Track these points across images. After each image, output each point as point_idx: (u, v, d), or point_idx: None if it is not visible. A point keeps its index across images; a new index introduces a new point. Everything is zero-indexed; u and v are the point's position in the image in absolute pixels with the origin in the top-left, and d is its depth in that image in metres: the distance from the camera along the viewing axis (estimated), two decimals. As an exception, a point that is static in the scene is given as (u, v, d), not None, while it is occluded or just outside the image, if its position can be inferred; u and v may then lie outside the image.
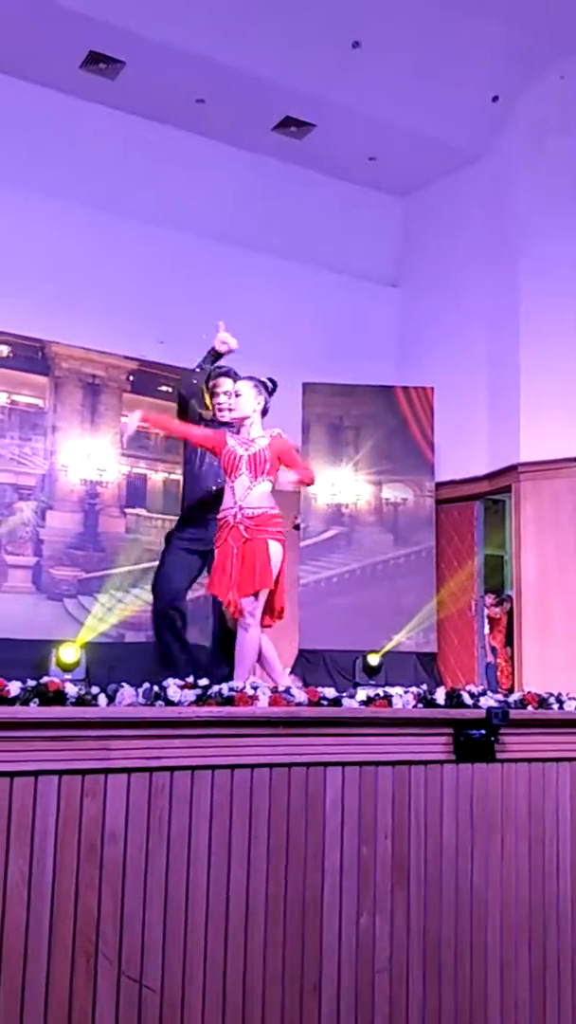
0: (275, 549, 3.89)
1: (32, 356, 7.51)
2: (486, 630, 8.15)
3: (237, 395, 4.01)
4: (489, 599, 8.23)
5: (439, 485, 8.28)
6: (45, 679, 2.91)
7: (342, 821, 3.11)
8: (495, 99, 8.07)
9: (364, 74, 7.57)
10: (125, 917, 2.72)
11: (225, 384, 4.29)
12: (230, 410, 4.11)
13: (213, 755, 2.93)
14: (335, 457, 8.17)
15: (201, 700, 3.05)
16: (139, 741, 2.81)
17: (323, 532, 8.05)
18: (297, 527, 8.09)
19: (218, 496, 4.08)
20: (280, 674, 3.99)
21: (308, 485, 4.18)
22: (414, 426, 8.20)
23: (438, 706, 3.39)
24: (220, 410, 4.24)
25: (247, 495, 3.86)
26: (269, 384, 4.10)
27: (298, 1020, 2.96)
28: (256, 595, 3.84)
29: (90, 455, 7.55)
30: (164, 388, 8.12)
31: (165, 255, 8.12)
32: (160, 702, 3.02)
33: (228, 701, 3.08)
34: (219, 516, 3.91)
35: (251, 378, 4.09)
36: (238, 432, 3.99)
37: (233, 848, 2.92)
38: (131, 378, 7.98)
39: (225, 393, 4.24)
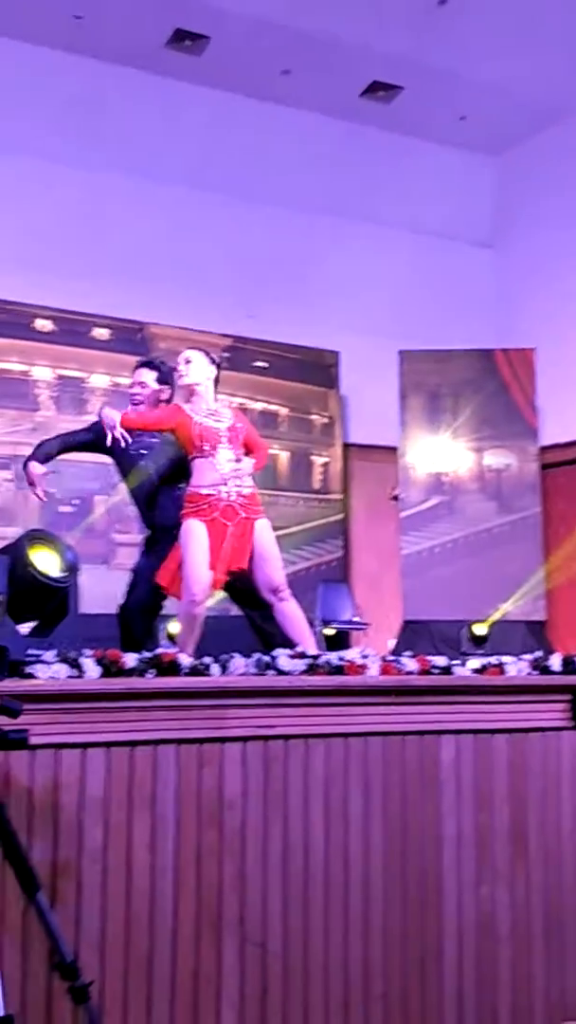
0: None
1: (131, 338, 7.60)
2: (597, 596, 7.94)
3: (188, 361, 3.84)
4: (599, 564, 8.01)
5: (543, 449, 8.07)
6: (159, 650, 2.97)
7: (458, 789, 3.09)
8: (591, 47, 7.77)
9: (451, 32, 7.37)
10: (246, 884, 2.77)
11: (143, 374, 4.18)
12: (181, 376, 3.88)
13: (326, 724, 2.95)
14: (434, 425, 8.04)
15: (312, 669, 3.07)
16: (253, 710, 2.84)
17: (423, 502, 7.95)
18: (396, 498, 8.02)
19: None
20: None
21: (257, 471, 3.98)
22: (516, 389, 8.00)
23: (554, 673, 3.33)
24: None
25: (236, 471, 3.72)
26: (216, 358, 3.97)
27: (419, 986, 2.96)
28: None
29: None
30: (259, 363, 8.14)
31: (255, 229, 8.10)
32: (271, 671, 3.04)
33: (338, 670, 3.09)
34: (199, 492, 3.68)
35: (199, 349, 3.96)
36: (188, 403, 3.82)
37: (350, 816, 2.93)
38: (226, 354, 8.01)
39: (140, 383, 4.15)
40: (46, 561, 3.19)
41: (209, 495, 3.68)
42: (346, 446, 8.57)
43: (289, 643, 3.61)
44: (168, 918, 2.66)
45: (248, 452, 3.85)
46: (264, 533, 3.77)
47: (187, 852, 2.71)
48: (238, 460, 3.75)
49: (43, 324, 7.35)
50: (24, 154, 7.32)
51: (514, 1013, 3.08)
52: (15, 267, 7.09)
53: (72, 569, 3.21)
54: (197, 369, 3.84)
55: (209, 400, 3.84)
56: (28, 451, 7.03)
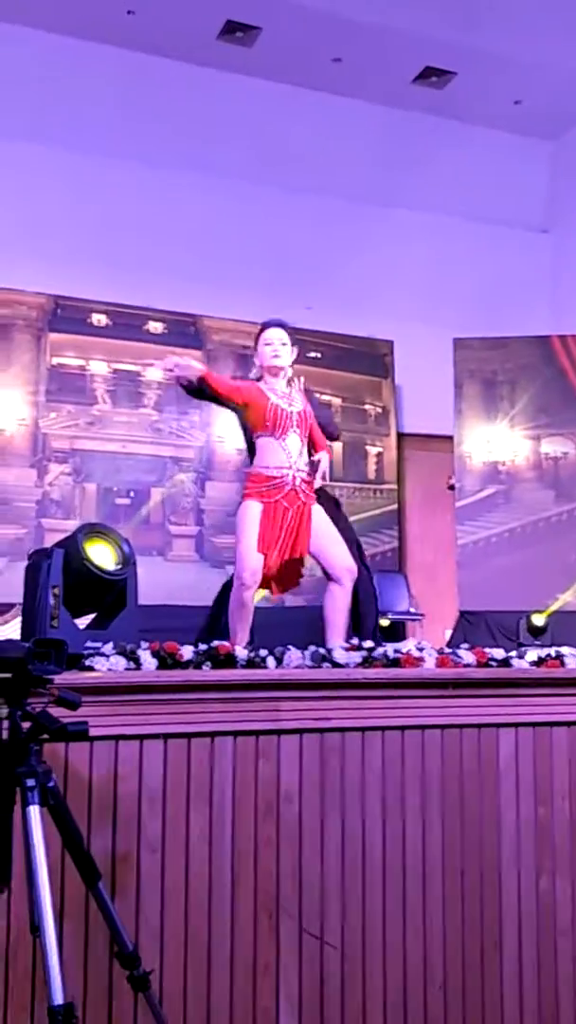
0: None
1: (185, 331, 7.65)
2: None
3: (284, 344, 3.79)
4: None
5: (601, 436, 7.96)
6: (216, 643, 2.99)
7: (517, 782, 3.06)
8: None
9: (504, 15, 7.26)
10: (304, 875, 2.78)
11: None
12: (276, 356, 3.79)
13: (382, 716, 2.94)
14: (490, 413, 7.95)
15: (367, 662, 3.06)
16: (309, 702, 2.84)
17: (480, 491, 7.87)
18: (452, 487, 7.95)
19: None
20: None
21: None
22: (573, 376, 7.88)
23: (613, 664, 3.28)
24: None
25: (300, 457, 3.70)
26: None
27: (479, 978, 2.95)
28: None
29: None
30: (313, 354, 8.13)
31: (309, 220, 8.09)
32: (326, 664, 3.05)
33: (394, 663, 3.08)
34: (265, 473, 3.65)
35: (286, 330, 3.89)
36: (262, 381, 3.77)
37: (407, 808, 2.92)
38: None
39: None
40: (102, 554, 3.22)
41: (274, 477, 3.65)
42: (400, 435, 8.53)
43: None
44: (226, 908, 2.68)
45: (312, 445, 3.82)
46: (323, 516, 3.77)
47: (245, 843, 2.72)
48: (302, 452, 3.74)
49: (98, 319, 7.43)
50: (77, 151, 7.40)
51: (574, 1005, 3.05)
52: (71, 264, 7.18)
53: (128, 562, 3.24)
54: (288, 353, 3.80)
55: (283, 384, 3.80)
56: (86, 445, 7.27)
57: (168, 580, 6.94)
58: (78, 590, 3.10)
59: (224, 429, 7.68)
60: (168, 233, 7.56)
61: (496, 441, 7.94)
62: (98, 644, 2.83)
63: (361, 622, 4.07)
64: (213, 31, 7.36)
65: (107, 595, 3.24)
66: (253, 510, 3.64)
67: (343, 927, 2.80)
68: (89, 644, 2.87)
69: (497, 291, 8.47)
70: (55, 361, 7.28)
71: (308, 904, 2.77)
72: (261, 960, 2.70)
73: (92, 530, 3.29)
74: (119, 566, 3.22)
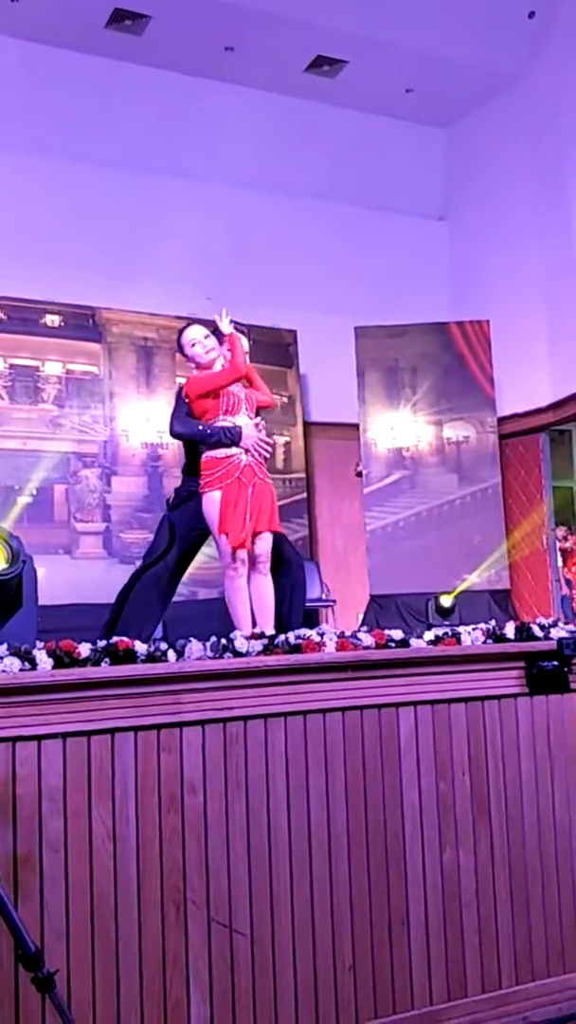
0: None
1: (83, 324, 7.55)
2: (559, 563, 8.03)
3: (207, 337, 4.07)
4: (560, 531, 8.09)
5: (501, 420, 8.13)
6: (115, 639, 2.96)
7: (418, 759, 3.12)
8: (531, 15, 7.76)
9: (394, 4, 7.34)
10: (210, 864, 2.78)
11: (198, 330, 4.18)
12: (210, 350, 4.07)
13: (284, 702, 2.96)
14: (393, 400, 8.07)
15: (268, 649, 3.08)
16: (210, 693, 2.85)
17: (386, 477, 7.99)
18: (360, 474, 8.05)
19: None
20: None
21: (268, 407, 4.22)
22: (472, 362, 8.04)
23: (508, 640, 3.36)
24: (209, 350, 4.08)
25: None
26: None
27: (388, 954, 3.00)
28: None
29: (148, 418, 7.59)
30: (216, 345, 8.10)
31: (205, 209, 8.05)
32: (228, 654, 3.05)
33: (295, 649, 3.10)
34: (217, 456, 3.88)
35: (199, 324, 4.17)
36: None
37: (311, 792, 2.95)
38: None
39: (201, 335, 4.13)
40: (-14, 557, 3.17)
41: (227, 457, 3.85)
42: (307, 424, 8.57)
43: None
44: (133, 903, 2.67)
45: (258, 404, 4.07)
46: (274, 500, 3.97)
47: (149, 837, 2.72)
48: (257, 427, 3.96)
49: (-7, 313, 7.28)
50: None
51: (482, 975, 3.13)
52: (-37, 257, 7.01)
53: (16, 561, 3.18)
54: (215, 349, 4.03)
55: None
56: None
57: (75, 578, 6.85)
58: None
59: (128, 423, 7.62)
60: (65, 224, 7.43)
61: (400, 427, 8.06)
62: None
63: (292, 612, 4.11)
64: (101, 19, 7.25)
65: (-4, 597, 3.18)
66: (214, 499, 3.83)
67: (252, 914, 2.82)
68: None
69: (397, 279, 8.56)
70: (-51, 358, 7.11)
71: (216, 893, 2.78)
72: (170, 952, 2.70)
73: (-21, 532, 3.22)
74: (6, 566, 3.16)
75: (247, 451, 3.90)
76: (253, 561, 3.89)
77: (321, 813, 2.96)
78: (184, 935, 2.72)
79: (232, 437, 3.88)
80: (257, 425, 3.99)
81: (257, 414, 4.09)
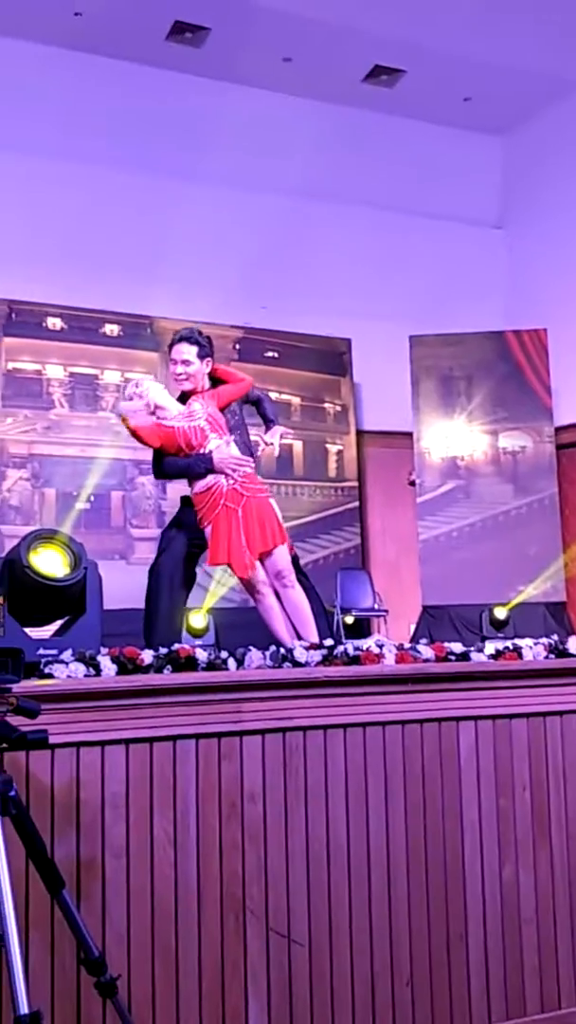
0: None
1: (141, 333, 7.63)
2: (617, 575, 7.92)
3: (138, 386, 3.86)
4: (618, 542, 7.98)
5: (559, 429, 8.04)
6: (176, 646, 2.99)
7: (478, 775, 3.10)
8: (592, 20, 7.69)
9: (452, 12, 7.31)
10: (269, 874, 2.79)
11: (183, 350, 3.96)
12: (184, 380, 3.93)
13: (344, 714, 2.96)
14: (447, 409, 8.02)
15: (327, 660, 3.08)
16: (270, 702, 2.86)
17: (440, 486, 7.94)
18: (413, 483, 8.01)
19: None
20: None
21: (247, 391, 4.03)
22: (528, 371, 7.97)
23: (570, 655, 3.32)
24: (180, 379, 3.95)
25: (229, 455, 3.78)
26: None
27: (446, 970, 2.98)
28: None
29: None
30: (270, 354, 8.15)
31: (261, 219, 8.08)
32: (287, 664, 3.06)
33: (355, 660, 3.10)
34: (198, 491, 3.74)
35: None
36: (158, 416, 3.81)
37: (370, 804, 2.95)
38: (237, 346, 8.02)
39: (184, 361, 3.93)
40: (50, 561, 3.20)
41: (207, 490, 3.72)
42: (360, 433, 8.57)
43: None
44: (192, 911, 2.68)
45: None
46: (275, 513, 3.81)
47: (210, 845, 2.73)
48: (228, 444, 3.77)
49: (54, 322, 7.39)
50: (26, 152, 7.35)
51: (541, 995, 3.09)
52: (25, 267, 7.12)
53: (78, 567, 3.21)
54: (152, 393, 3.81)
55: (174, 405, 3.85)
56: (43, 449, 7.22)
57: (131, 583, 6.89)
58: (25, 599, 3.08)
59: (184, 430, 7.67)
60: (123, 234, 7.52)
61: (454, 436, 8.01)
62: (53, 651, 2.82)
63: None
64: (162, 32, 7.34)
65: (58, 602, 3.22)
66: (209, 534, 3.70)
67: (310, 925, 2.82)
68: (42, 651, 2.86)
69: (452, 287, 8.53)
70: (10, 366, 7.22)
71: (274, 903, 2.78)
72: (229, 961, 2.71)
73: (39, 537, 3.26)
74: (70, 572, 3.19)
75: (225, 475, 3.72)
76: (277, 576, 3.75)
77: (380, 826, 2.95)
78: (243, 944, 2.73)
79: (205, 466, 3.72)
80: (227, 443, 3.78)
81: (225, 408, 3.92)
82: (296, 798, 2.85)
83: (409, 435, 8.02)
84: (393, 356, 7.95)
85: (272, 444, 4.25)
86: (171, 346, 3.97)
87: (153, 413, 3.79)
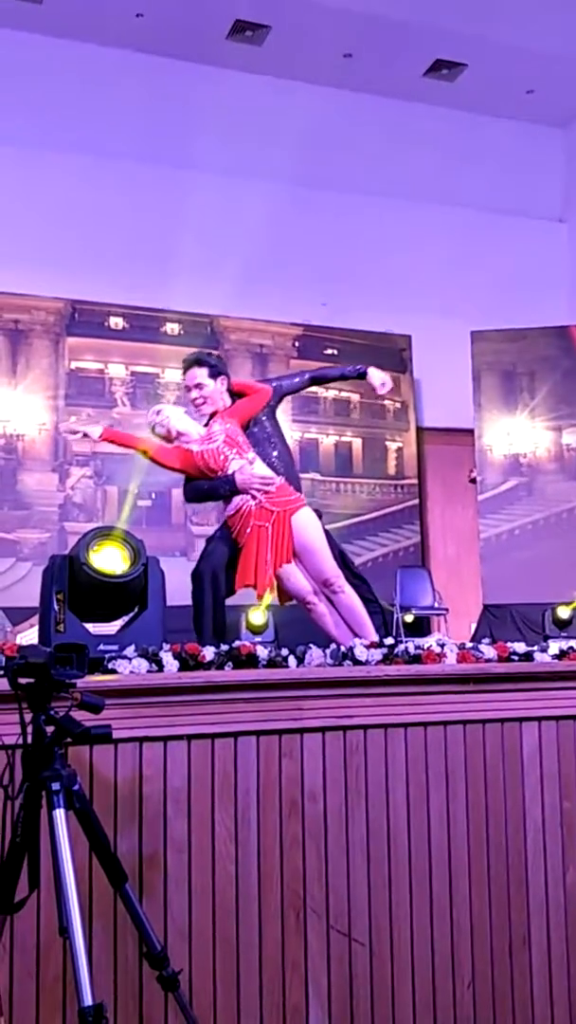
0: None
1: (202, 331, 7.68)
2: None
3: (158, 413, 3.91)
4: None
5: (623, 426, 7.91)
6: (237, 643, 3.00)
7: (542, 776, 3.05)
8: None
9: (512, 5, 7.23)
10: (330, 873, 2.78)
11: (196, 375, 3.96)
12: (202, 404, 3.91)
13: (405, 713, 2.94)
14: (510, 405, 7.93)
15: (388, 659, 3.06)
16: (331, 700, 2.85)
17: (501, 484, 7.85)
18: (473, 481, 7.93)
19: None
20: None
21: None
22: (592, 366, 7.85)
23: None
24: (198, 404, 3.95)
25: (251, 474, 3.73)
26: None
27: (509, 974, 2.94)
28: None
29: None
30: (329, 351, 8.13)
31: (323, 215, 8.09)
32: (348, 662, 3.05)
33: (415, 659, 3.07)
34: (229, 514, 3.73)
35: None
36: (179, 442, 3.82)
37: (432, 805, 2.92)
38: (297, 344, 8.03)
39: (197, 386, 3.93)
40: (110, 558, 3.22)
41: (236, 511, 3.70)
42: (420, 430, 8.51)
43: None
44: (253, 907, 2.69)
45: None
46: (303, 523, 3.73)
47: (270, 842, 2.73)
48: (251, 463, 3.73)
49: (116, 321, 7.47)
50: (91, 155, 7.44)
51: (606, 1001, 3.04)
52: (87, 267, 7.22)
53: (138, 563, 3.23)
54: (172, 419, 3.84)
55: (195, 428, 3.84)
56: (106, 448, 7.26)
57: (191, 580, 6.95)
58: (87, 596, 3.12)
59: (244, 428, 7.71)
60: (183, 233, 7.57)
61: (516, 433, 7.92)
62: (114, 647, 2.85)
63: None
64: (222, 31, 7.37)
65: (119, 598, 3.24)
66: (242, 553, 3.68)
67: (370, 924, 2.81)
68: (103, 647, 2.89)
69: (514, 282, 8.43)
70: (73, 365, 7.33)
71: (335, 901, 2.78)
72: (289, 958, 2.71)
73: (99, 533, 3.28)
74: (129, 568, 3.21)
75: (251, 495, 3.68)
76: (325, 584, 3.72)
77: (441, 826, 2.93)
78: (303, 941, 2.73)
79: (228, 487, 3.70)
80: (250, 462, 3.73)
81: (249, 423, 3.88)
82: (357, 797, 2.84)
83: (470, 432, 7.95)
84: (454, 352, 7.88)
85: (385, 383, 4.17)
86: (184, 373, 3.99)
87: (176, 439, 3.80)
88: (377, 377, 4.15)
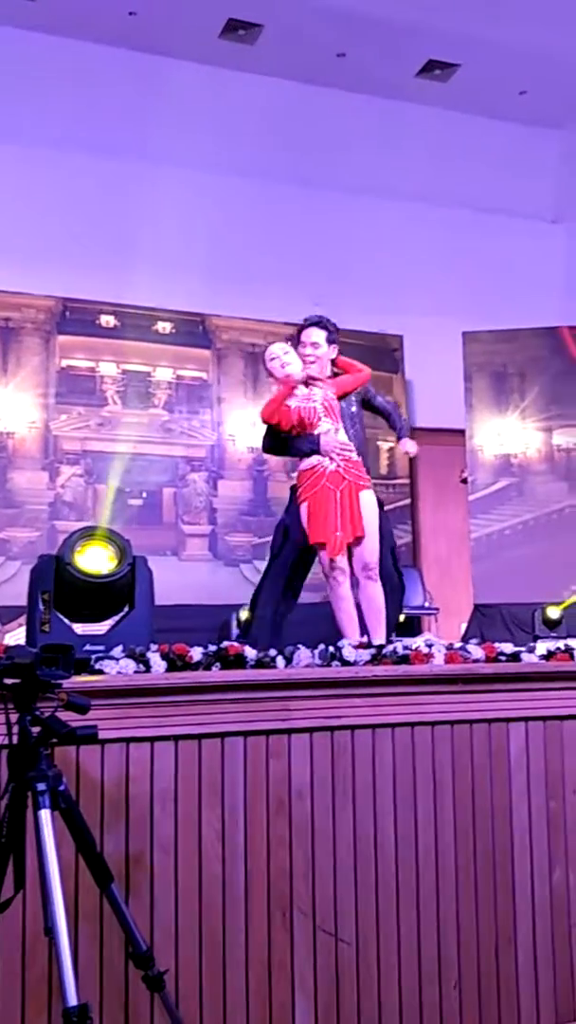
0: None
1: (193, 330, 7.67)
2: None
3: (280, 357, 4.03)
4: None
5: (614, 427, 7.93)
6: (225, 643, 3.00)
7: (528, 776, 3.06)
8: None
9: (506, 5, 7.22)
10: (317, 873, 2.79)
11: (313, 333, 4.16)
12: (313, 363, 4.05)
13: (392, 713, 2.95)
14: (501, 406, 7.94)
15: (376, 659, 3.07)
16: (318, 701, 2.86)
17: (492, 484, 7.86)
18: (465, 481, 7.94)
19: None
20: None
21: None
22: (584, 367, 7.86)
23: (624, 657, 3.27)
24: (309, 361, 4.11)
25: (338, 441, 3.89)
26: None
27: (495, 973, 2.96)
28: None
29: (255, 424, 7.64)
30: (322, 351, 8.12)
31: (316, 215, 8.08)
32: (336, 662, 3.06)
33: (404, 659, 3.08)
34: (303, 467, 3.87)
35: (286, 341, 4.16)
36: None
37: (419, 805, 2.93)
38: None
39: (312, 343, 4.12)
40: (96, 558, 3.22)
41: (314, 467, 3.81)
42: (412, 430, 8.48)
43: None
44: (240, 907, 2.70)
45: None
46: (365, 503, 3.84)
47: (257, 842, 2.74)
48: (336, 431, 3.87)
49: (107, 320, 7.46)
50: (82, 152, 7.42)
51: (591, 1001, 3.05)
52: (79, 265, 7.20)
53: (124, 563, 3.23)
54: (291, 364, 3.98)
55: (298, 366, 3.98)
56: (97, 446, 7.30)
57: (182, 579, 6.96)
58: (73, 596, 3.12)
59: (235, 428, 7.70)
60: (175, 232, 7.56)
61: (508, 434, 7.93)
62: (100, 648, 2.86)
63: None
64: (215, 30, 7.35)
65: (106, 598, 3.24)
66: (304, 511, 3.81)
67: (357, 924, 2.82)
68: (88, 648, 2.89)
69: (507, 283, 8.43)
70: (64, 363, 7.31)
71: (321, 901, 2.78)
72: (276, 957, 2.72)
73: (84, 533, 3.28)
74: (115, 568, 3.21)
75: (330, 458, 3.83)
76: (364, 568, 3.78)
77: (428, 826, 2.94)
78: (290, 941, 2.73)
79: (311, 446, 3.85)
80: (336, 429, 3.89)
81: (343, 397, 4.06)
82: (344, 797, 2.85)
83: (461, 432, 7.95)
84: (446, 352, 7.88)
85: (408, 452, 4.56)
86: (301, 330, 4.16)
87: (283, 374, 3.96)
88: (410, 446, 4.50)
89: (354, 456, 3.88)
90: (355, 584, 3.79)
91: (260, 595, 4.25)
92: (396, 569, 4.41)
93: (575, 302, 8.58)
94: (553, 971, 3.03)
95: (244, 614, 6.65)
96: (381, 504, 4.09)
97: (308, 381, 3.97)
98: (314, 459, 3.82)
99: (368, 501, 3.84)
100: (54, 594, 3.07)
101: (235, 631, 6.60)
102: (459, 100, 8.19)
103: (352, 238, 8.11)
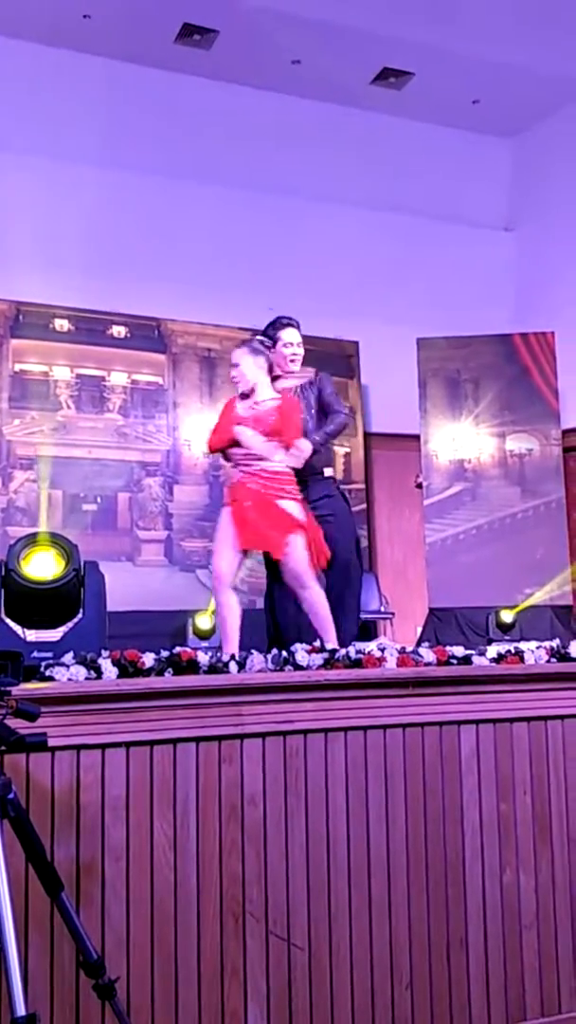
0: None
1: (149, 335, 7.64)
2: (624, 578, 7.89)
3: (236, 366, 4.15)
4: (625, 547, 7.95)
5: (566, 432, 8.01)
6: (178, 649, 3.00)
7: (479, 778, 3.09)
8: (603, 22, 7.67)
9: (460, 15, 7.30)
10: (269, 877, 2.79)
11: (293, 334, 4.34)
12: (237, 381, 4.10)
13: (345, 717, 2.96)
14: (454, 411, 8.02)
15: (329, 663, 3.08)
16: (271, 706, 2.86)
17: (447, 489, 7.92)
18: (420, 486, 8.00)
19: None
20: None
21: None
22: (536, 374, 7.95)
23: (572, 660, 3.32)
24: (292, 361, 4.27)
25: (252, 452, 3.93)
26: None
27: (446, 975, 2.98)
28: None
29: (210, 428, 7.65)
30: (278, 355, 8.13)
31: (271, 221, 8.09)
32: (289, 667, 3.06)
33: (356, 664, 3.10)
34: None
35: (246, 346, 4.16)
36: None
37: (371, 808, 2.95)
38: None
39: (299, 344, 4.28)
40: (43, 564, 3.20)
41: (232, 478, 3.87)
42: (367, 435, 8.56)
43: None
44: (192, 913, 2.69)
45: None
46: (281, 514, 3.79)
47: (209, 848, 2.73)
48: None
49: (61, 324, 7.40)
50: (35, 154, 7.36)
51: (542, 999, 3.09)
52: (32, 268, 7.13)
53: (71, 569, 3.21)
54: (247, 371, 4.05)
55: (260, 393, 4.01)
56: (50, 451, 7.24)
57: (137, 585, 6.93)
58: (22, 603, 3.09)
59: (191, 433, 7.68)
60: (129, 236, 7.53)
61: (461, 439, 8.00)
62: (48, 654, 2.84)
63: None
64: (171, 34, 7.35)
65: (55, 604, 3.22)
66: (222, 517, 3.84)
67: (309, 928, 2.82)
68: (37, 654, 2.87)
69: (460, 290, 8.50)
70: (17, 367, 7.24)
71: (274, 906, 2.79)
72: (228, 963, 2.72)
73: (30, 540, 3.26)
74: (62, 574, 3.19)
75: (236, 465, 3.82)
76: (295, 579, 3.75)
77: (380, 829, 2.95)
78: (243, 946, 2.73)
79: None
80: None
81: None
82: (296, 801, 2.86)
83: (416, 438, 8.01)
84: (401, 359, 7.94)
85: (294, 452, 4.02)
86: (280, 329, 4.31)
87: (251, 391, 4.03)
88: (298, 446, 4.12)
89: (270, 467, 3.81)
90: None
91: (274, 601, 4.18)
92: (358, 559, 4.36)
93: (527, 310, 8.69)
94: (504, 972, 3.06)
95: (200, 618, 6.66)
96: (345, 497, 4.10)
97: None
98: (234, 472, 3.87)
99: (288, 510, 3.77)
100: (3, 601, 3.05)
101: (191, 637, 6.60)
102: (413, 108, 8.26)
103: (307, 244, 8.14)
